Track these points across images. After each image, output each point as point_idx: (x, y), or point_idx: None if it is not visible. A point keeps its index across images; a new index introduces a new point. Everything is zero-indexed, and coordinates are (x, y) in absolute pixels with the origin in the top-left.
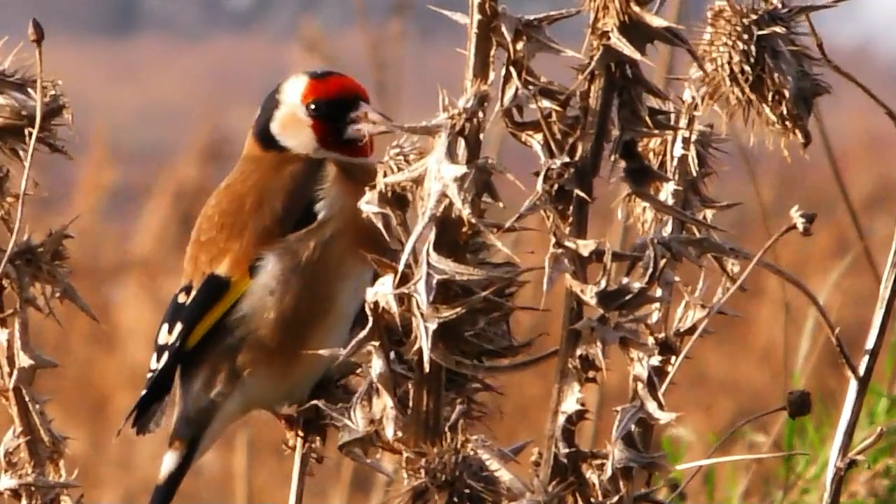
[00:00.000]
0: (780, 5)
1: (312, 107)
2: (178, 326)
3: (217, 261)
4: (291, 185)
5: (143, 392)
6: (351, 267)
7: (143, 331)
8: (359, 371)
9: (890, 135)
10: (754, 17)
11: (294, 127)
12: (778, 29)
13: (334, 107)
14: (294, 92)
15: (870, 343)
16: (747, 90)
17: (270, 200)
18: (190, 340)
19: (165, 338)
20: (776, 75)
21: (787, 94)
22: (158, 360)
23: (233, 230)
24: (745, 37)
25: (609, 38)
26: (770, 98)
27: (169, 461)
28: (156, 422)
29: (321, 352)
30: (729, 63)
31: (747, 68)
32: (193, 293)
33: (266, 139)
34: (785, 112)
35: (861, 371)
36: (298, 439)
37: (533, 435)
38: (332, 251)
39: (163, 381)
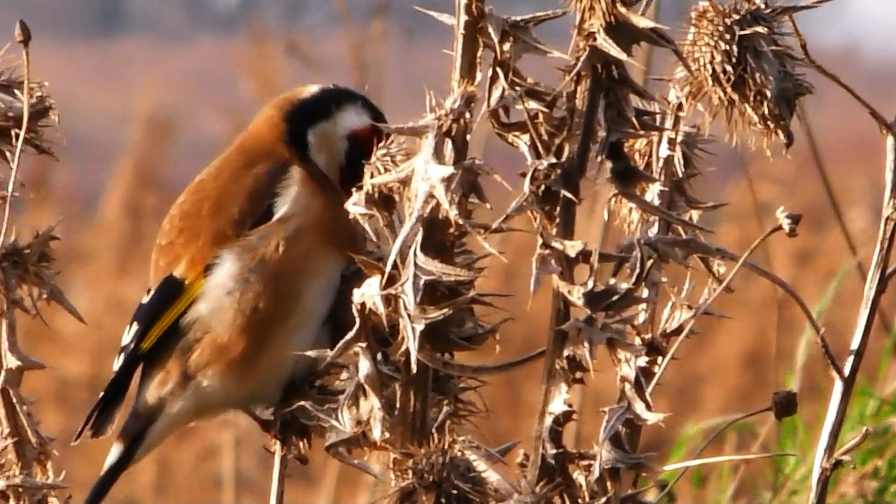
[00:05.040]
0: (763, 6)
1: (352, 150)
2: (135, 327)
3: (174, 264)
4: (252, 187)
5: (101, 394)
6: (318, 264)
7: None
8: (332, 371)
9: (875, 136)
10: (737, 17)
11: (329, 148)
12: (760, 29)
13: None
14: (351, 123)
15: (855, 344)
16: (729, 90)
17: (228, 204)
18: (144, 342)
19: (126, 339)
20: (758, 75)
21: (768, 94)
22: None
23: (190, 234)
24: (728, 37)
25: (595, 39)
26: (752, 98)
27: (112, 455)
28: (112, 424)
29: (309, 353)
30: (711, 63)
31: (729, 68)
32: (150, 295)
33: (297, 134)
34: (766, 112)
35: (846, 372)
36: (277, 441)
37: (521, 436)
38: (295, 247)
39: (120, 383)
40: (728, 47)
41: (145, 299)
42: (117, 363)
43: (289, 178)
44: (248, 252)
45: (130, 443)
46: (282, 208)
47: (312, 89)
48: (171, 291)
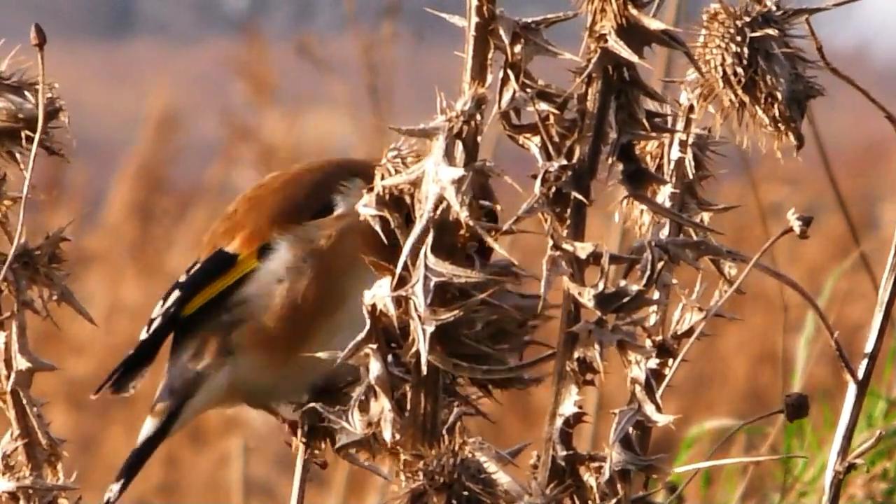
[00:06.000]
0: (774, 7)
1: None
2: (175, 294)
3: (230, 234)
4: (321, 180)
5: (130, 353)
6: (366, 268)
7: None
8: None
9: (888, 137)
10: (748, 19)
11: None
12: (771, 31)
13: None
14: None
15: (869, 346)
16: (740, 92)
17: (296, 189)
18: (187, 308)
19: (158, 310)
20: (769, 77)
21: (779, 96)
22: (149, 330)
23: (253, 205)
24: (738, 39)
25: (606, 41)
26: (763, 100)
27: (147, 427)
28: (133, 385)
29: (319, 354)
30: (722, 65)
31: (740, 70)
32: (199, 264)
33: None
34: (777, 114)
35: (860, 375)
36: (301, 445)
37: (531, 438)
38: (347, 246)
39: (151, 346)
40: (739, 49)
41: (182, 277)
42: (149, 328)
43: (353, 183)
44: (303, 241)
45: (167, 417)
46: (341, 206)
47: None
48: (222, 265)
